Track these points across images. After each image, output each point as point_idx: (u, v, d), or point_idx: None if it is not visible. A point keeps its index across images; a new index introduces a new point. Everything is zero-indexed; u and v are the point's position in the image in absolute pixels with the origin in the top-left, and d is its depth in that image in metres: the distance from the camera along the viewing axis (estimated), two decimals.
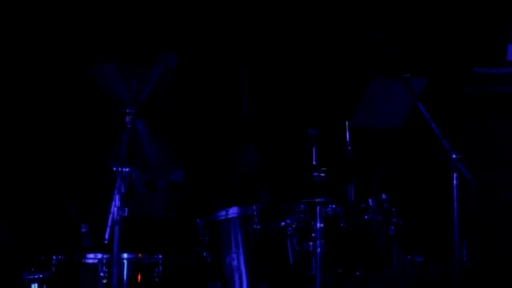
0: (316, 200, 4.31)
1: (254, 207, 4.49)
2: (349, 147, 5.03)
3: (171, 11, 5.97)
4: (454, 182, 4.39)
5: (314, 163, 4.52)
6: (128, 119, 4.27)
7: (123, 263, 4.44)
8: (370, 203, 4.57)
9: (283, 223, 4.42)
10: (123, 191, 4.05)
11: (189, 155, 4.91)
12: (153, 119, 4.40)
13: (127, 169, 4.08)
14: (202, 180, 5.44)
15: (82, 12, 5.83)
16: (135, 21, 5.88)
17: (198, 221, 4.66)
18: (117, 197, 4.02)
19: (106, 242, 3.92)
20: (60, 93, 5.59)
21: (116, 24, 5.85)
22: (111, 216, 4.01)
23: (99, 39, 5.77)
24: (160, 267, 4.56)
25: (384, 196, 4.60)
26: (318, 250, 4.25)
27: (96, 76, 4.26)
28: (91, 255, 4.45)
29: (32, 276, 4.46)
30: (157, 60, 5.52)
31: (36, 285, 4.44)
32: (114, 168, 4.07)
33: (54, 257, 4.48)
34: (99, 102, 4.41)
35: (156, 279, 4.54)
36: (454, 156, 4.39)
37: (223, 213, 4.57)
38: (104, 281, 4.40)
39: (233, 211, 4.55)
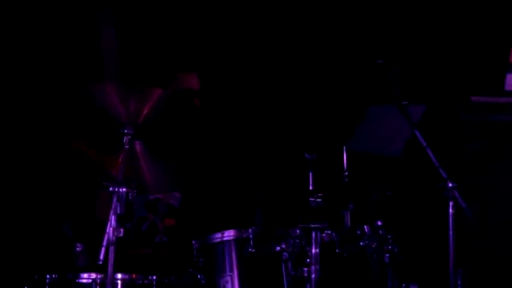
0: (312, 225, 4.30)
1: (250, 230, 4.48)
2: (346, 173, 5.04)
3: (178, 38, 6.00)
4: (450, 210, 4.40)
5: (311, 188, 4.52)
6: (125, 139, 4.26)
7: (117, 284, 4.41)
8: (366, 230, 4.57)
9: (279, 248, 4.41)
10: (119, 211, 4.04)
11: (186, 178, 4.91)
12: (152, 140, 4.40)
13: (124, 189, 4.07)
14: (199, 204, 5.44)
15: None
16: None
17: (193, 242, 4.65)
18: (112, 218, 4.01)
19: (100, 262, 3.90)
20: (57, 110, 5.60)
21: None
22: (106, 236, 4.00)
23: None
24: None
25: (379, 223, 4.60)
26: (313, 276, 4.24)
27: (96, 95, 4.26)
28: (85, 275, 4.43)
29: None
30: None
31: None
32: (111, 189, 4.05)
33: (48, 276, 4.46)
34: (97, 121, 4.41)
35: None
36: (450, 185, 4.40)
37: (219, 235, 4.56)
38: None
39: (229, 234, 4.54)
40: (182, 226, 5.38)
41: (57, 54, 5.80)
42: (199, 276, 4.57)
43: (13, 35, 5.75)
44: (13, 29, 5.75)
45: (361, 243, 4.52)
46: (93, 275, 4.40)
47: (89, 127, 4.75)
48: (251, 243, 4.44)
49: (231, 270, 4.47)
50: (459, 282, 4.34)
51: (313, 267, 4.25)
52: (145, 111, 4.28)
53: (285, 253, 4.40)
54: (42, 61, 5.78)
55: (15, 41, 5.76)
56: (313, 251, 4.27)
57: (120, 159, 4.18)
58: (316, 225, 4.30)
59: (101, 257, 3.92)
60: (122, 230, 4.00)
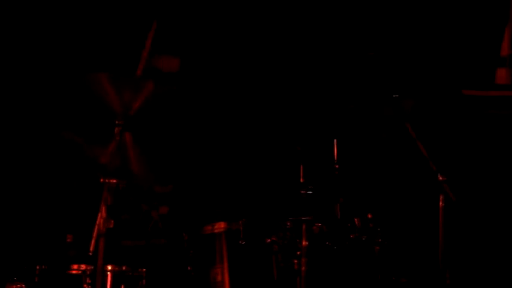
0: (303, 217, 4.31)
1: (240, 222, 4.49)
2: (337, 165, 5.04)
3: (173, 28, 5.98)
4: (440, 204, 4.41)
5: (301, 181, 4.53)
6: (116, 130, 4.25)
7: (107, 275, 4.41)
8: (356, 223, 4.57)
9: (269, 240, 4.42)
10: (108, 202, 4.04)
11: (177, 170, 4.90)
12: (143, 131, 4.39)
13: (114, 180, 4.07)
14: (190, 195, 5.44)
15: (80, 19, 5.82)
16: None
17: (183, 234, 4.66)
18: (103, 209, 4.01)
19: (90, 253, 3.90)
20: (50, 100, 5.58)
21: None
22: (96, 227, 3.99)
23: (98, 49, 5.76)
24: (144, 280, 4.54)
25: (369, 216, 4.60)
26: (303, 268, 4.25)
27: (89, 85, 4.24)
28: (75, 266, 4.43)
29: (14, 286, 4.43)
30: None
31: None
32: (102, 180, 4.05)
33: (38, 267, 4.45)
34: (89, 111, 4.40)
35: None
36: (440, 178, 4.40)
37: (210, 227, 4.56)
38: None
39: (219, 226, 4.54)
40: (175, 215, 5.38)
41: (53, 43, 5.77)
42: (189, 268, 4.57)
43: (5, 24, 5.72)
44: (5, 18, 5.72)
45: (351, 236, 4.53)
46: (83, 266, 4.40)
47: (80, 116, 4.73)
48: (241, 235, 4.45)
49: (222, 262, 4.48)
50: (447, 276, 4.36)
51: (303, 260, 4.26)
52: (138, 103, 4.26)
53: (275, 245, 4.41)
54: (37, 49, 5.75)
55: (8, 30, 5.73)
56: (304, 243, 4.28)
57: (111, 150, 4.18)
58: (306, 218, 4.31)
59: (91, 248, 3.92)
60: (112, 221, 4.00)
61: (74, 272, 4.41)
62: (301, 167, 4.69)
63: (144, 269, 4.53)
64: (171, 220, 5.34)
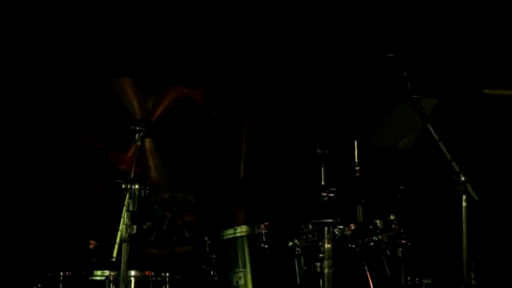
0: (324, 220, 4.30)
1: (262, 226, 4.48)
2: (358, 167, 5.02)
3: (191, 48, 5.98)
4: (463, 204, 4.38)
5: (322, 183, 4.52)
6: (137, 136, 4.26)
7: (131, 281, 4.43)
8: (378, 224, 4.56)
9: (291, 243, 4.41)
10: (131, 208, 4.05)
11: (198, 176, 4.91)
12: (163, 138, 4.40)
13: (136, 186, 4.08)
14: (212, 200, 5.44)
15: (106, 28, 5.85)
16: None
17: (206, 238, 4.66)
18: (125, 215, 4.02)
19: (113, 259, 3.91)
20: (74, 107, 5.60)
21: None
22: (119, 233, 4.01)
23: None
24: (167, 285, 4.55)
25: (392, 217, 4.59)
26: (326, 271, 4.23)
27: (111, 90, 4.25)
28: (98, 272, 4.45)
29: None
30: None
31: None
32: (123, 186, 4.06)
33: (61, 274, 4.48)
34: (111, 117, 4.41)
35: None
36: (463, 178, 4.38)
37: (232, 231, 4.56)
38: None
39: (241, 230, 4.54)
40: (201, 222, 5.39)
41: (77, 46, 5.80)
42: (212, 272, 4.58)
43: (30, 26, 5.74)
44: (30, 20, 5.75)
45: (374, 238, 4.51)
46: (107, 272, 4.42)
47: (101, 120, 4.74)
48: (264, 239, 4.44)
49: (244, 266, 4.47)
50: (472, 276, 4.33)
51: (326, 262, 4.24)
52: (160, 110, 4.27)
53: (297, 248, 4.40)
54: (61, 51, 5.77)
55: (32, 32, 5.75)
56: (326, 246, 4.27)
57: (132, 156, 4.19)
58: (328, 220, 4.29)
59: (114, 254, 3.94)
60: (134, 227, 4.01)
61: (98, 278, 4.43)
62: (322, 169, 4.67)
63: (168, 274, 4.55)
64: (196, 226, 5.35)
